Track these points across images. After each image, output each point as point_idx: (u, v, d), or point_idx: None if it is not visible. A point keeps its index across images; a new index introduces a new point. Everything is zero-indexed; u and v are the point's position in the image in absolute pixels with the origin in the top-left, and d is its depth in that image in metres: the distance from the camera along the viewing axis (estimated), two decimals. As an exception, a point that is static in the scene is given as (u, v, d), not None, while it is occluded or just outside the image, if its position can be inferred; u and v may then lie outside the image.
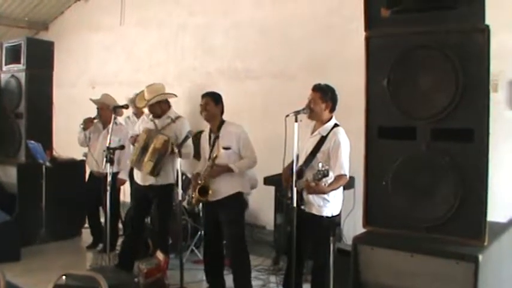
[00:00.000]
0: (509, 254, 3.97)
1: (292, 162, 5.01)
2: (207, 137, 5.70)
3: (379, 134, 3.74)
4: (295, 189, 4.82)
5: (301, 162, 5.07)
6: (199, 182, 5.48)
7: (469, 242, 3.39)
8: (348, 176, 4.91)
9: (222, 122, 5.65)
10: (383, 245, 3.59)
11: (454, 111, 3.41)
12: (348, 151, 4.95)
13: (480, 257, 3.18)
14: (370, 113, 3.76)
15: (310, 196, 4.99)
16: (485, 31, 3.30)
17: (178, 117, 6.30)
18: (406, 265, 3.47)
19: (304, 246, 5.10)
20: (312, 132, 5.17)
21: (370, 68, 3.74)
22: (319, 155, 4.99)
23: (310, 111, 5.04)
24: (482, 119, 3.34)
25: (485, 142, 3.35)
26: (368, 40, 3.74)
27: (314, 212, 5.04)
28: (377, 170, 3.74)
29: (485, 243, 3.36)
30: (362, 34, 3.80)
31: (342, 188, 5.12)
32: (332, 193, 4.98)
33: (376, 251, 3.61)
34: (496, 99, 5.65)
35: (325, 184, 4.66)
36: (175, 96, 6.52)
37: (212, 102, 5.62)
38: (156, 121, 6.27)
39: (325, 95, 5.06)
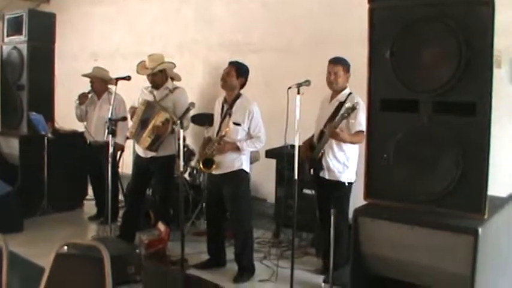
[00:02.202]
0: (509, 228, 3.98)
1: (313, 136, 5.15)
2: (220, 106, 5.70)
3: (381, 107, 3.72)
4: (296, 162, 4.87)
5: (321, 127, 5.34)
6: (207, 151, 5.50)
7: (469, 215, 3.39)
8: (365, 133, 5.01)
9: (238, 95, 5.62)
10: (384, 217, 3.60)
11: (456, 84, 3.39)
12: (365, 113, 5.01)
13: (480, 230, 3.19)
14: (372, 85, 3.74)
15: (330, 162, 5.30)
16: (490, 3, 3.27)
17: (176, 88, 6.33)
18: (406, 237, 3.48)
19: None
20: (330, 101, 5.43)
21: (373, 40, 3.70)
22: (338, 119, 5.07)
23: (335, 83, 5.34)
24: (485, 92, 3.31)
25: (487, 116, 3.33)
26: (371, 12, 3.71)
27: (333, 178, 5.29)
28: (379, 143, 3.73)
29: (485, 217, 3.37)
30: (365, 7, 3.77)
31: (357, 156, 5.38)
32: (351, 159, 5.34)
33: (377, 223, 3.62)
34: (500, 75, 5.64)
35: None
36: (175, 65, 6.52)
37: (234, 73, 5.58)
38: (155, 92, 6.29)
39: (347, 67, 5.39)
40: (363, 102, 5.04)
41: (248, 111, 5.50)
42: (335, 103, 5.37)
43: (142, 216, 6.71)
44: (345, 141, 5.16)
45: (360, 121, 5.08)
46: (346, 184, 5.31)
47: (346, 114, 4.91)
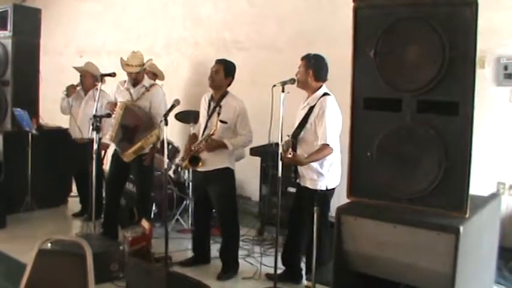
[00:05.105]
0: (490, 227, 4.02)
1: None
2: (207, 103, 5.67)
3: (364, 106, 3.73)
4: (280, 160, 4.87)
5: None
6: (193, 149, 5.50)
7: (451, 214, 3.41)
8: (331, 146, 4.89)
9: (225, 93, 5.60)
10: (366, 215, 3.61)
11: (440, 83, 3.41)
12: (334, 120, 4.96)
13: (461, 228, 3.21)
14: (356, 84, 3.74)
15: (304, 170, 5.10)
16: (473, 4, 3.29)
17: (152, 85, 6.33)
18: (388, 236, 3.50)
19: (302, 219, 5.17)
20: (303, 104, 5.22)
21: (358, 39, 3.71)
22: (308, 126, 5.02)
23: (297, 80, 5.08)
24: (468, 92, 3.33)
25: (470, 115, 3.34)
26: (356, 11, 3.72)
27: (308, 185, 5.12)
28: (362, 141, 3.74)
29: (467, 216, 3.39)
30: (351, 6, 3.78)
31: (338, 160, 5.16)
32: (326, 166, 5.07)
33: (359, 221, 3.64)
34: (483, 76, 5.69)
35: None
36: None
37: (223, 71, 5.56)
38: (132, 90, 6.27)
39: (308, 62, 5.10)
40: (332, 108, 4.98)
41: (235, 109, 5.49)
42: (306, 108, 5.14)
43: (119, 211, 6.68)
44: (303, 165, 4.93)
45: (324, 132, 4.88)
46: (319, 191, 4.94)
47: (285, 148, 4.75)
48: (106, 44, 10.13)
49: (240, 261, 5.80)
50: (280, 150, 4.83)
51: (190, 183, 7.11)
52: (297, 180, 5.21)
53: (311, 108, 5.07)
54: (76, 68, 7.43)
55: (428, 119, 3.49)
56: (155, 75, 7.46)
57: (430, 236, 3.32)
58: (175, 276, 4.70)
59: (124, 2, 9.94)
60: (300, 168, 5.11)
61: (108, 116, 6.28)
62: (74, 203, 7.92)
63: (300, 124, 5.10)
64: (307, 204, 4.95)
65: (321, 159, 4.95)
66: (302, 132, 5.04)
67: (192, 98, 7.87)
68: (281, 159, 4.89)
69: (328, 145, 4.88)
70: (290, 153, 4.72)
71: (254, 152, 6.76)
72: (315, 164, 5.02)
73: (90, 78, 7.35)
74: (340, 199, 4.09)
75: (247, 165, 6.80)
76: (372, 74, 3.64)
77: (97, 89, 6.58)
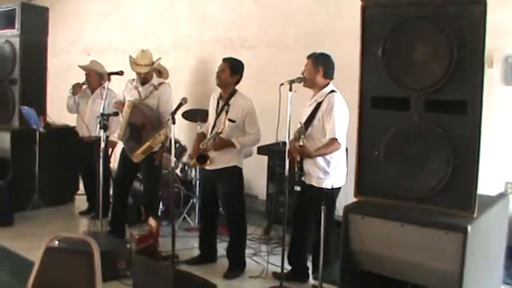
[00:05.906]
0: (497, 227, 4.01)
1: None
2: (216, 101, 5.66)
3: (372, 105, 3.72)
4: (287, 159, 4.87)
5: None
6: (201, 147, 5.50)
7: (459, 213, 3.40)
8: (340, 141, 4.89)
9: (234, 91, 5.59)
10: (374, 214, 3.61)
11: (448, 82, 3.40)
12: (342, 116, 4.95)
13: (469, 227, 3.20)
14: (363, 83, 3.73)
15: (310, 167, 5.08)
16: (482, 3, 3.28)
17: (161, 84, 6.33)
18: (396, 235, 3.49)
19: (307, 217, 5.16)
20: (311, 99, 5.20)
21: (365, 38, 3.71)
22: (315, 122, 5.01)
23: (305, 78, 5.08)
24: (476, 90, 3.32)
25: (478, 114, 3.34)
26: (364, 10, 3.71)
27: (314, 183, 5.11)
28: (370, 140, 3.73)
29: (475, 215, 3.38)
30: (358, 5, 3.78)
31: (344, 159, 5.17)
32: (333, 164, 5.07)
33: (367, 220, 3.63)
34: (491, 75, 5.66)
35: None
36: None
37: (229, 70, 5.54)
38: (140, 89, 6.26)
39: (316, 60, 5.10)
40: (340, 104, 4.98)
41: (243, 108, 5.47)
42: (313, 104, 5.12)
43: (127, 209, 6.68)
44: (311, 157, 4.92)
45: (333, 127, 4.87)
46: (325, 190, 4.96)
47: (297, 136, 4.78)
48: (113, 43, 10.14)
49: (247, 260, 5.79)
50: (288, 146, 4.83)
51: (198, 182, 7.11)
52: (302, 178, 5.16)
53: (318, 104, 5.07)
54: (81, 67, 7.45)
55: (436, 118, 3.48)
56: (160, 72, 7.47)
57: (438, 235, 3.32)
58: (182, 275, 4.71)
59: (131, 1, 9.95)
60: (306, 166, 5.09)
61: (116, 114, 6.29)
62: (81, 201, 7.95)
63: (307, 120, 5.09)
64: (313, 203, 4.93)
65: (329, 153, 4.96)
66: (309, 129, 5.02)
67: (198, 96, 7.88)
68: (288, 156, 4.92)
69: (336, 139, 4.88)
70: (302, 141, 4.73)
71: (261, 150, 6.75)
72: (322, 162, 5.03)
73: (95, 77, 7.37)
74: (347, 198, 4.08)
75: (255, 164, 6.79)
76: (380, 73, 3.63)
77: (104, 87, 6.60)
